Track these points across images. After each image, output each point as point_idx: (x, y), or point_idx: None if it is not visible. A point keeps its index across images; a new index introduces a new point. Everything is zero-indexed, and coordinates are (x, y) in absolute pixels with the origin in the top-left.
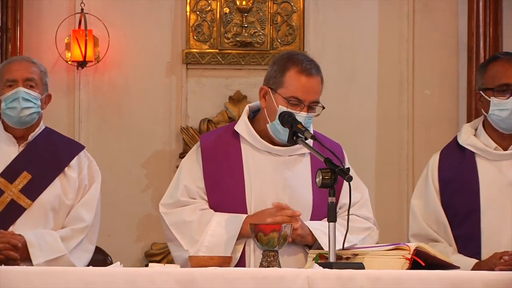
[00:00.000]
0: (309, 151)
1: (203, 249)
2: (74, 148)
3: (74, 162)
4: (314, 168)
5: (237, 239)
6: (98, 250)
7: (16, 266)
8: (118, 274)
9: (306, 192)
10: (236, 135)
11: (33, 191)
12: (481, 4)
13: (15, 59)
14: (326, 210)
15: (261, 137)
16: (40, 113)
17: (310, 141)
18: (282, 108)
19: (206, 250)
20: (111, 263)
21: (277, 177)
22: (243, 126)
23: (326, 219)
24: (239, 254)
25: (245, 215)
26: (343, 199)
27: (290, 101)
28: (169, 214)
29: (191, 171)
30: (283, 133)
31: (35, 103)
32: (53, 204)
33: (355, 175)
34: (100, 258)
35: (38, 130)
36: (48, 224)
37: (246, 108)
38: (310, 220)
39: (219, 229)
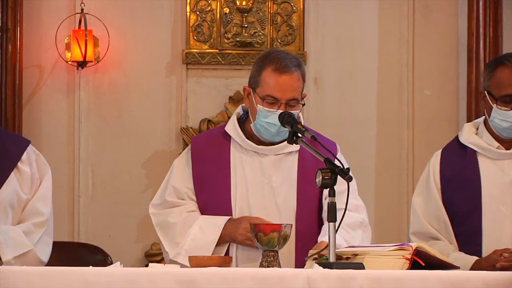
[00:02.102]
0: (297, 150)
1: (183, 253)
2: (22, 142)
3: (24, 156)
4: (301, 167)
5: (218, 244)
6: (98, 250)
7: (16, 266)
8: (118, 274)
9: (290, 192)
10: (227, 136)
11: None
12: (481, 4)
13: None
14: (310, 211)
15: (251, 136)
16: None
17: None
18: (260, 108)
19: (186, 254)
20: (111, 263)
21: (262, 178)
22: (231, 127)
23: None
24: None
25: (226, 219)
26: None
27: (265, 100)
28: (156, 214)
29: (180, 172)
30: (264, 132)
31: None
32: (11, 199)
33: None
34: (100, 258)
35: None
36: (7, 220)
37: (238, 108)
38: (296, 220)
39: (200, 233)
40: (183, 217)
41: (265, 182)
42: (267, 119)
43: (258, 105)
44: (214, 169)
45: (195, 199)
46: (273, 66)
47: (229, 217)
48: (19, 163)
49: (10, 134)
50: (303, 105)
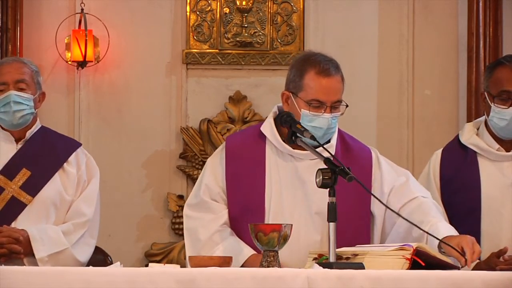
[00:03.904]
0: (332, 155)
1: None
2: (72, 145)
3: (72, 158)
4: None
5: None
6: (98, 250)
7: (16, 266)
8: (118, 274)
9: (326, 198)
10: (262, 136)
11: (33, 187)
12: (481, 4)
13: (5, 61)
14: (348, 214)
15: (287, 139)
16: (34, 113)
17: (332, 144)
18: (305, 112)
19: None
20: (111, 263)
21: (296, 182)
22: (268, 128)
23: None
24: None
25: (252, 252)
26: (389, 183)
27: (311, 104)
28: (190, 218)
29: (213, 170)
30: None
31: (27, 105)
32: (53, 199)
33: (390, 162)
34: (100, 258)
35: (34, 128)
36: (49, 220)
37: (274, 108)
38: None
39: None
40: (214, 229)
41: (299, 187)
42: (313, 123)
43: (302, 110)
44: (248, 168)
45: (226, 199)
46: (316, 69)
47: (253, 253)
48: (65, 164)
49: (63, 136)
50: (347, 106)
